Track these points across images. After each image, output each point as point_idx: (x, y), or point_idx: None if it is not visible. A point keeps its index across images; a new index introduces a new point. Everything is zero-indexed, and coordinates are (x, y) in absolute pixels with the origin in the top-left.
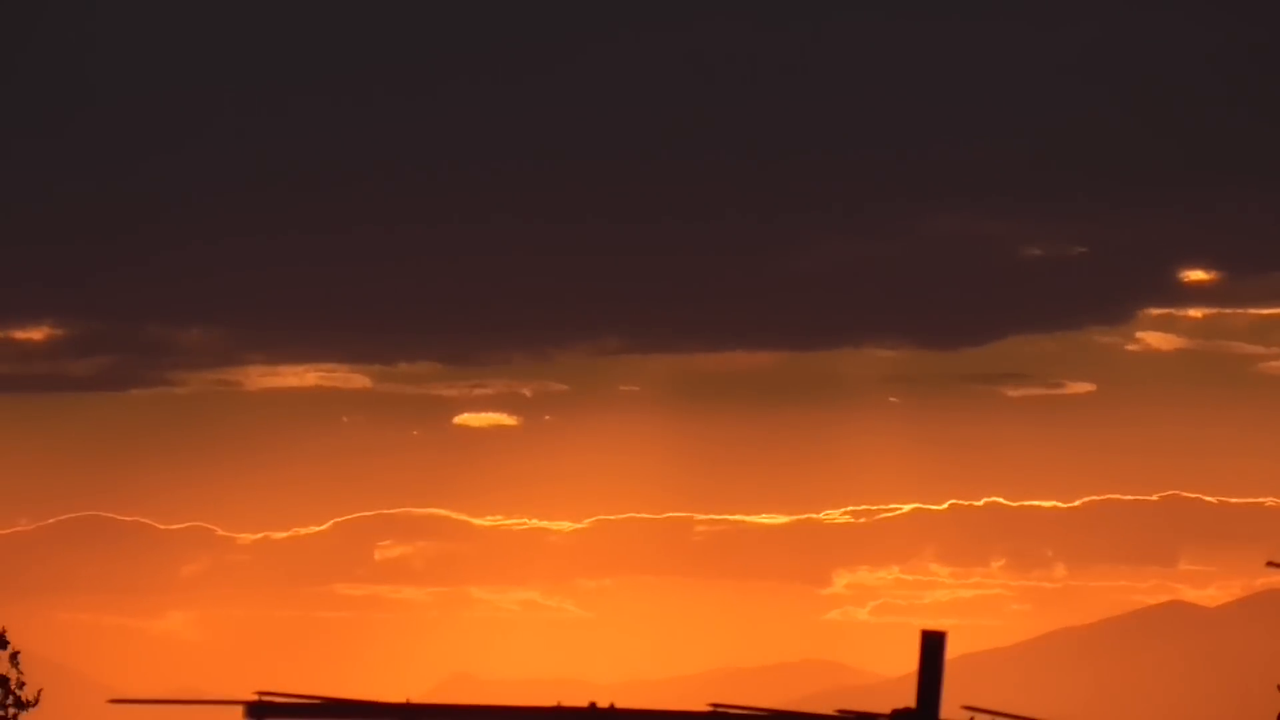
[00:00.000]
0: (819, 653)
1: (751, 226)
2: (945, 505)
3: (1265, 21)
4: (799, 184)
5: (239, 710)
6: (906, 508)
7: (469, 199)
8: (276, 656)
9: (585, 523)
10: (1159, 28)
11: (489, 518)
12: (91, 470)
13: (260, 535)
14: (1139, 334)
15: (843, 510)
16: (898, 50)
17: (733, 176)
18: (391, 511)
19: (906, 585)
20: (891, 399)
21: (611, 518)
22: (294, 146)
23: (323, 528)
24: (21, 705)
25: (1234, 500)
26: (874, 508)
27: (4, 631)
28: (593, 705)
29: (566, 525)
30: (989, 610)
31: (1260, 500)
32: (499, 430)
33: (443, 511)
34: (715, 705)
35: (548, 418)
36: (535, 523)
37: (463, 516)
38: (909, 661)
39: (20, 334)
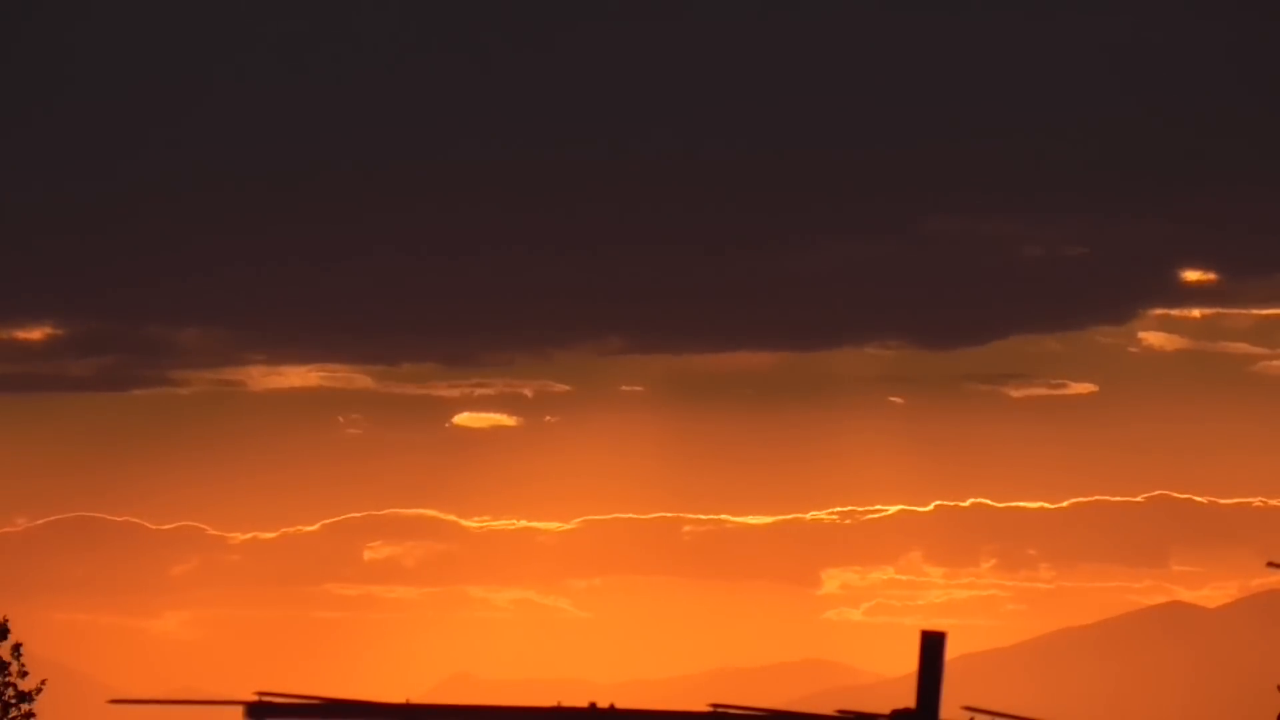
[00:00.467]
0: (818, 653)
1: (751, 226)
2: (930, 506)
3: (1265, 24)
4: (799, 184)
5: (239, 710)
6: (892, 509)
7: (471, 199)
8: (274, 656)
9: (573, 523)
10: (1161, 29)
11: (476, 519)
12: (84, 470)
13: (250, 535)
14: (1140, 334)
15: (829, 511)
16: (898, 50)
17: (733, 176)
18: (380, 513)
19: (900, 585)
20: (892, 399)
21: (599, 518)
22: (295, 147)
23: (313, 528)
24: (23, 697)
25: (1224, 501)
26: (860, 509)
27: (6, 621)
28: (593, 705)
29: (554, 525)
30: (985, 611)
31: (1249, 500)
32: (498, 431)
33: (431, 512)
34: (715, 705)
35: (549, 418)
36: (523, 523)
37: (451, 517)
38: (908, 661)
39: (20, 334)
